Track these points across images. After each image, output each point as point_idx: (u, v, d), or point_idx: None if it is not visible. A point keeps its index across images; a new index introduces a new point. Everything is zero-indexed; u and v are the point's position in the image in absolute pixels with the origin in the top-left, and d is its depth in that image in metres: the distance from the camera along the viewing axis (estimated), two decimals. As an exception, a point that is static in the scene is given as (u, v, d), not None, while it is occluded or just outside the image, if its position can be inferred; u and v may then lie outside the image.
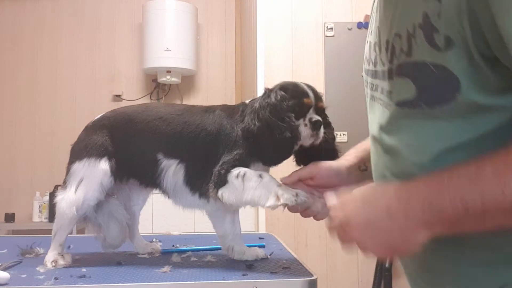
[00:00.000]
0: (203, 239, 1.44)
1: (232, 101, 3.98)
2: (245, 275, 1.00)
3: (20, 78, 4.01)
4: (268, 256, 1.19)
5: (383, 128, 0.78)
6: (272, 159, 1.10)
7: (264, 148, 1.07)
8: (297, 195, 1.00)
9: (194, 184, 1.13)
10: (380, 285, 2.43)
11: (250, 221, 3.30)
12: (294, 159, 1.16)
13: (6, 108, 3.98)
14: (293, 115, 1.07)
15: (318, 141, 1.09)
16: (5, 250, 1.29)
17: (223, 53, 4.20)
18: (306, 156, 1.13)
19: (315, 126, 1.08)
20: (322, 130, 1.09)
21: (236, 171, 1.06)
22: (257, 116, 1.08)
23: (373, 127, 0.82)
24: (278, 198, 1.01)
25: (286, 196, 1.00)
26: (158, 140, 1.15)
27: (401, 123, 0.72)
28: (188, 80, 4.10)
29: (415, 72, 0.68)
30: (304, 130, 1.08)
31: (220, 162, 1.08)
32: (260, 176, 1.05)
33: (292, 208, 1.03)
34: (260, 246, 1.30)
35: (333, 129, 1.16)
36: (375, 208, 0.66)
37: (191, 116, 1.15)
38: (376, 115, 0.81)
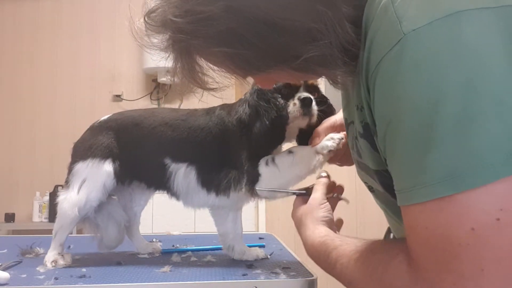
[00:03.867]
0: (203, 239, 1.44)
1: (232, 99, 3.97)
2: (245, 275, 1.00)
3: (20, 78, 4.00)
4: (268, 256, 1.19)
5: None
6: (265, 145, 1.09)
7: (256, 134, 1.06)
8: (331, 138, 1.00)
9: (211, 183, 1.12)
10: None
11: (250, 221, 3.30)
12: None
13: (6, 108, 3.97)
14: (279, 95, 1.06)
15: (314, 119, 1.07)
16: (5, 250, 1.29)
17: (222, 52, 4.18)
18: (308, 140, 1.10)
19: (304, 103, 1.05)
20: (314, 107, 1.06)
21: (263, 161, 1.06)
22: (247, 104, 1.09)
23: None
24: (320, 153, 1.01)
25: (325, 144, 1.00)
26: (165, 145, 1.15)
27: None
28: (188, 80, 4.08)
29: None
30: (294, 110, 1.05)
31: (243, 162, 1.08)
32: (290, 151, 1.05)
33: (334, 158, 1.03)
34: (260, 246, 1.30)
35: (333, 109, 1.12)
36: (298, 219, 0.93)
37: (195, 121, 1.15)
38: None
